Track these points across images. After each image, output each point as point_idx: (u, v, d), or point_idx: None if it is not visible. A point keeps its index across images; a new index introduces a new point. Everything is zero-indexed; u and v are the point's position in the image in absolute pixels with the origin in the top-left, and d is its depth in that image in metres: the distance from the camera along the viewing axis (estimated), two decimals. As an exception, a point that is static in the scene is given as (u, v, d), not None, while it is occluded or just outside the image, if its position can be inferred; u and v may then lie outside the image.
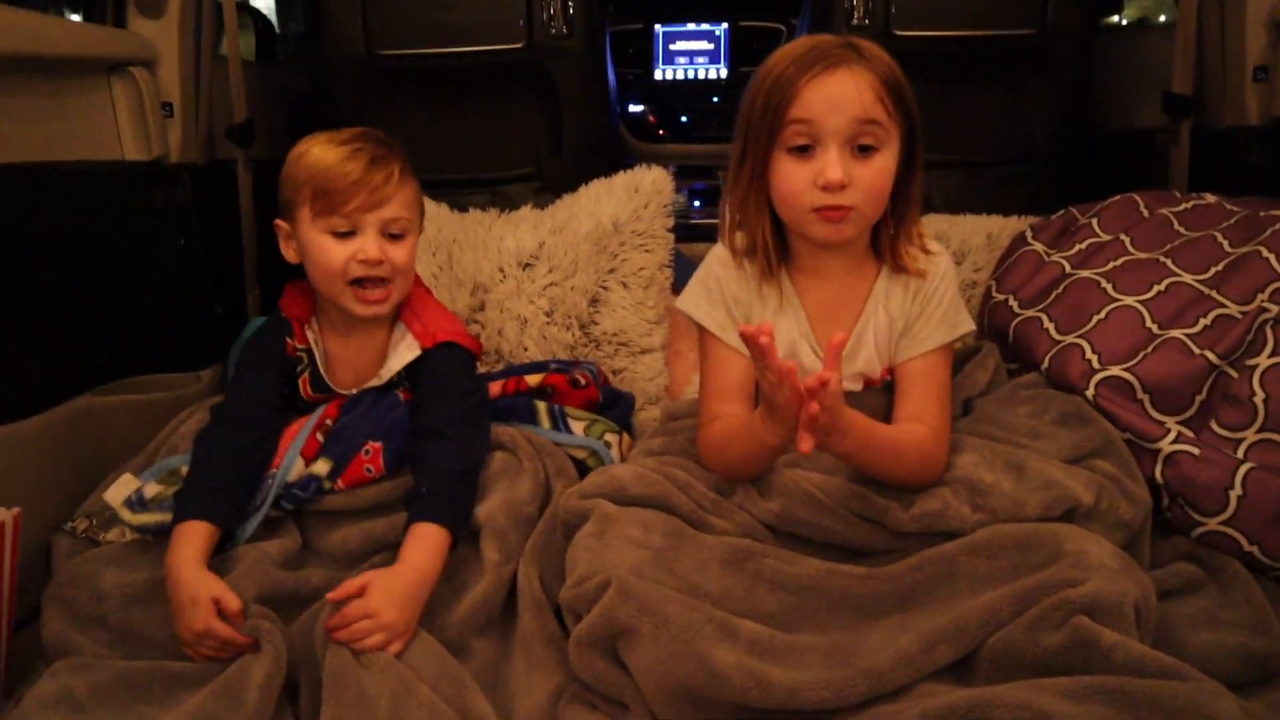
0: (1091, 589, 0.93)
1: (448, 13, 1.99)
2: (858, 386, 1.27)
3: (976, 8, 1.99)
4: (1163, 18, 2.79)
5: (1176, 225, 1.49)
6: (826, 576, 1.05)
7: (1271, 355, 1.20)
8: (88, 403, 1.48)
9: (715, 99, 2.67)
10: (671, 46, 2.66)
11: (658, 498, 1.13)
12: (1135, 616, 0.93)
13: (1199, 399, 1.24)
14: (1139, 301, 1.35)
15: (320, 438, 1.26)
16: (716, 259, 1.28)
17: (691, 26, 2.64)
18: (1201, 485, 1.15)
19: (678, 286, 1.76)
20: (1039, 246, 1.62)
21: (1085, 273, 1.45)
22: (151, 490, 1.21)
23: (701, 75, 2.66)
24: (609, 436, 1.40)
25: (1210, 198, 1.55)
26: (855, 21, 1.98)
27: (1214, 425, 1.21)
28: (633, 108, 2.68)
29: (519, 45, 2.01)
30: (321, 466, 1.23)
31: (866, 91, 1.11)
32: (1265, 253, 1.31)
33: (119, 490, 1.20)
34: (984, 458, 1.14)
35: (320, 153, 1.26)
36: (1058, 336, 1.37)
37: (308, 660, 1.06)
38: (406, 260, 1.30)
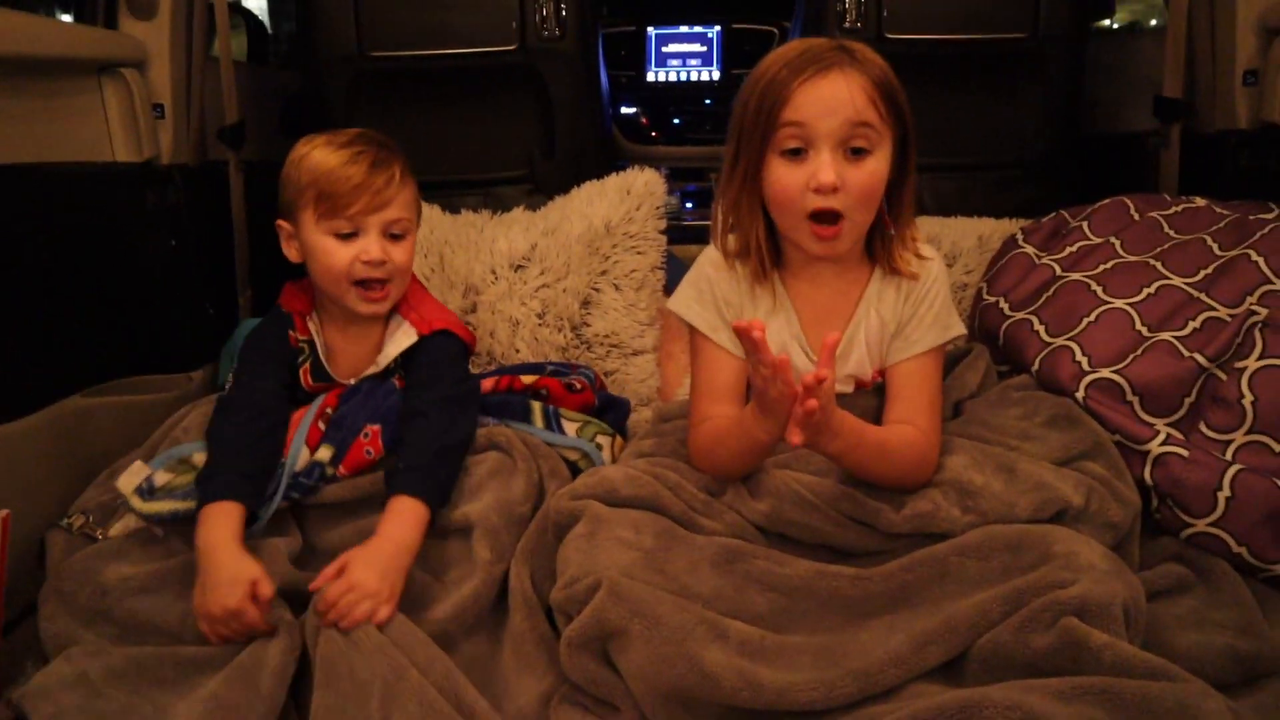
0: (1081, 590, 0.93)
1: (440, 14, 1.98)
2: (849, 388, 1.27)
3: (968, 11, 2.00)
4: (1154, 22, 2.80)
5: (1167, 228, 1.50)
6: (817, 577, 1.06)
7: (1260, 358, 1.21)
8: (79, 404, 1.48)
9: (708, 101, 2.67)
10: (664, 49, 2.66)
11: (649, 499, 1.13)
12: (1124, 617, 0.93)
13: (1188, 401, 1.24)
14: (1129, 304, 1.35)
15: (322, 426, 1.28)
16: (708, 260, 1.28)
17: (684, 29, 2.65)
18: (1190, 487, 1.15)
19: (670, 288, 1.76)
20: (1030, 249, 1.62)
21: (1076, 275, 1.46)
22: (161, 479, 1.21)
23: (694, 77, 2.66)
24: (601, 439, 1.40)
25: (1200, 201, 1.55)
26: (848, 24, 1.98)
27: (1203, 427, 1.21)
28: (625, 110, 2.68)
29: (512, 47, 2.01)
30: (324, 453, 1.24)
31: (859, 94, 1.11)
32: (1254, 256, 1.31)
33: (130, 478, 1.20)
34: (974, 459, 1.15)
35: (322, 156, 1.29)
36: (1048, 339, 1.38)
37: (310, 657, 1.07)
38: (406, 260, 1.34)
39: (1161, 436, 1.20)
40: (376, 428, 1.27)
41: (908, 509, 1.10)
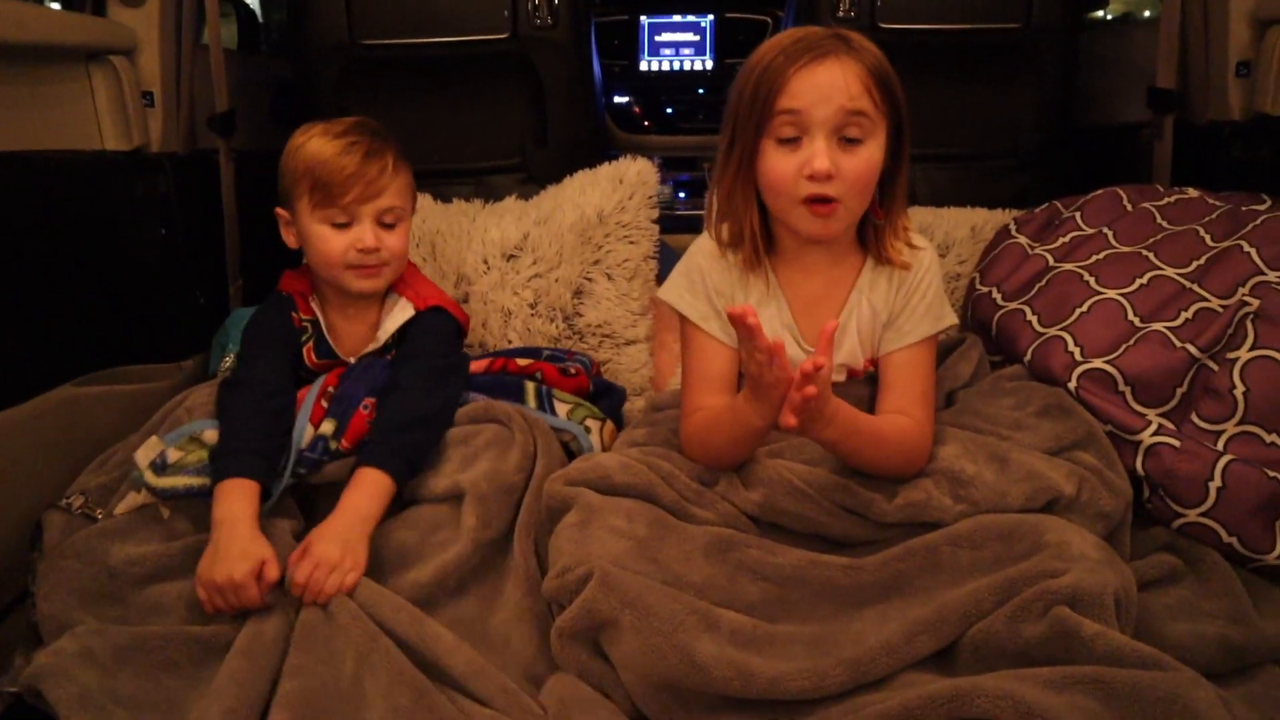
0: (1073, 580, 0.93)
1: (432, 2, 1.97)
2: (841, 377, 1.27)
3: (962, 1, 1.99)
4: (1147, 13, 2.79)
5: (1159, 219, 1.50)
6: (809, 566, 1.06)
7: (1252, 349, 1.21)
8: (69, 393, 1.47)
9: (701, 90, 2.66)
10: (657, 38, 2.65)
11: (642, 487, 1.13)
12: (1116, 607, 0.93)
13: (1180, 391, 1.25)
14: (1121, 294, 1.35)
15: (324, 404, 1.30)
16: (699, 250, 1.28)
17: (677, 18, 2.63)
18: (1182, 477, 1.16)
19: (662, 278, 1.75)
20: (1023, 239, 1.62)
21: (1068, 266, 1.46)
22: (172, 455, 1.21)
23: (687, 67, 2.65)
24: (590, 422, 1.40)
25: (1193, 192, 1.56)
26: (841, 13, 1.98)
27: (1195, 418, 1.21)
28: (618, 99, 2.67)
29: (504, 36, 2.00)
30: (328, 427, 1.27)
31: (854, 82, 1.11)
32: (1246, 247, 1.32)
33: (146, 451, 1.21)
34: (966, 449, 1.15)
35: (318, 145, 1.34)
36: (1040, 329, 1.38)
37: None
38: (400, 246, 1.39)
39: (1153, 427, 1.20)
40: (374, 400, 1.30)
41: (900, 498, 1.10)
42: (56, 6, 1.81)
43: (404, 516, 1.21)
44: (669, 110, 2.68)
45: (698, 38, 2.63)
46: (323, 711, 0.98)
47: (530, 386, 1.43)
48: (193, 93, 1.75)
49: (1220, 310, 1.27)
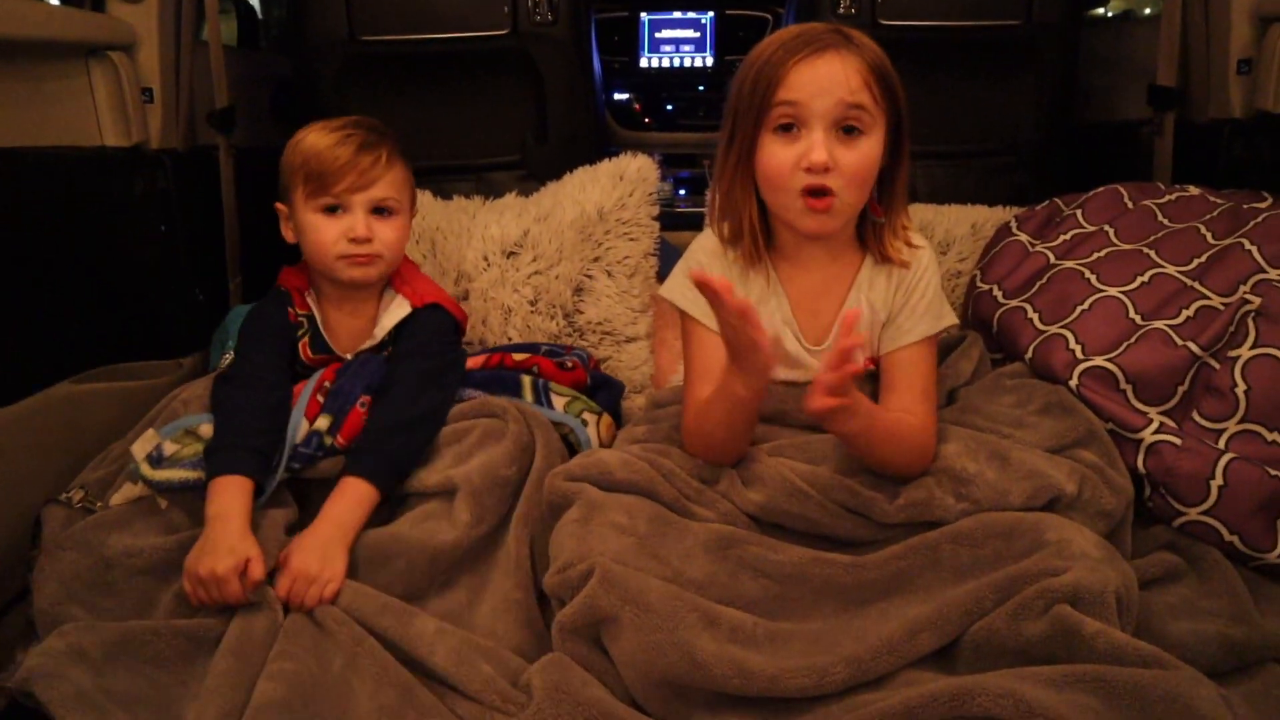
0: (1074, 578, 0.93)
1: None
2: (842, 376, 1.27)
3: None
4: (1147, 10, 2.79)
5: (1160, 217, 1.50)
6: (810, 564, 1.06)
7: (1253, 347, 1.21)
8: (67, 390, 1.47)
9: (701, 87, 2.66)
10: (657, 34, 2.64)
11: (644, 484, 1.13)
12: (1117, 605, 0.93)
13: (1181, 389, 1.25)
14: (1122, 292, 1.35)
15: (320, 399, 1.30)
16: (701, 246, 1.28)
17: (678, 15, 2.63)
18: (1183, 475, 1.16)
19: (663, 275, 1.75)
20: (1024, 237, 1.62)
21: (1069, 263, 1.46)
22: (168, 448, 1.22)
23: (687, 63, 2.65)
24: (587, 416, 1.40)
25: (1194, 190, 1.55)
26: (841, 10, 1.98)
27: (1196, 416, 1.21)
28: (618, 96, 2.66)
29: (504, 32, 2.00)
30: (323, 422, 1.27)
31: (854, 75, 1.11)
32: (1248, 245, 1.31)
33: (143, 444, 1.22)
34: (968, 447, 1.15)
35: (314, 139, 1.36)
36: (1041, 327, 1.37)
37: None
38: (394, 238, 1.39)
39: (1154, 425, 1.20)
40: (370, 397, 1.30)
41: (903, 498, 1.10)
42: (56, 2, 1.80)
43: (398, 513, 1.22)
44: (669, 107, 2.68)
45: (698, 34, 2.63)
46: (311, 702, 0.99)
47: (527, 381, 1.43)
48: (192, 89, 1.75)
49: (1221, 308, 1.27)
